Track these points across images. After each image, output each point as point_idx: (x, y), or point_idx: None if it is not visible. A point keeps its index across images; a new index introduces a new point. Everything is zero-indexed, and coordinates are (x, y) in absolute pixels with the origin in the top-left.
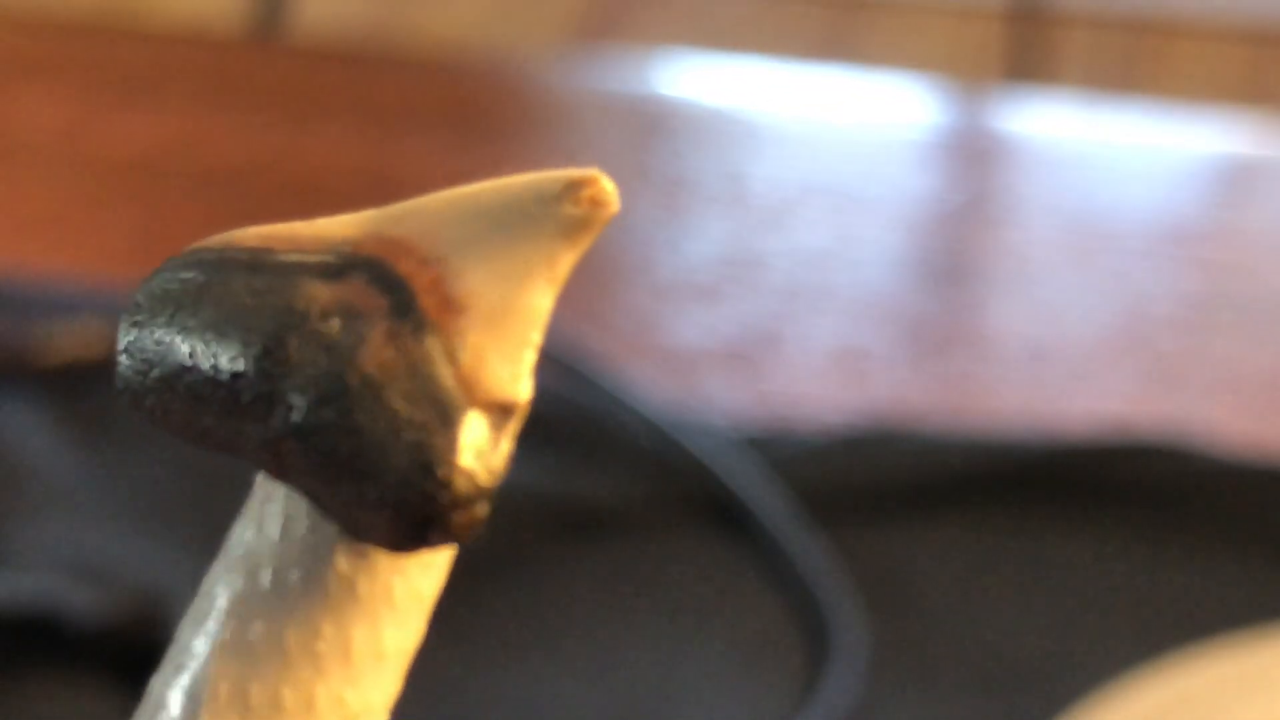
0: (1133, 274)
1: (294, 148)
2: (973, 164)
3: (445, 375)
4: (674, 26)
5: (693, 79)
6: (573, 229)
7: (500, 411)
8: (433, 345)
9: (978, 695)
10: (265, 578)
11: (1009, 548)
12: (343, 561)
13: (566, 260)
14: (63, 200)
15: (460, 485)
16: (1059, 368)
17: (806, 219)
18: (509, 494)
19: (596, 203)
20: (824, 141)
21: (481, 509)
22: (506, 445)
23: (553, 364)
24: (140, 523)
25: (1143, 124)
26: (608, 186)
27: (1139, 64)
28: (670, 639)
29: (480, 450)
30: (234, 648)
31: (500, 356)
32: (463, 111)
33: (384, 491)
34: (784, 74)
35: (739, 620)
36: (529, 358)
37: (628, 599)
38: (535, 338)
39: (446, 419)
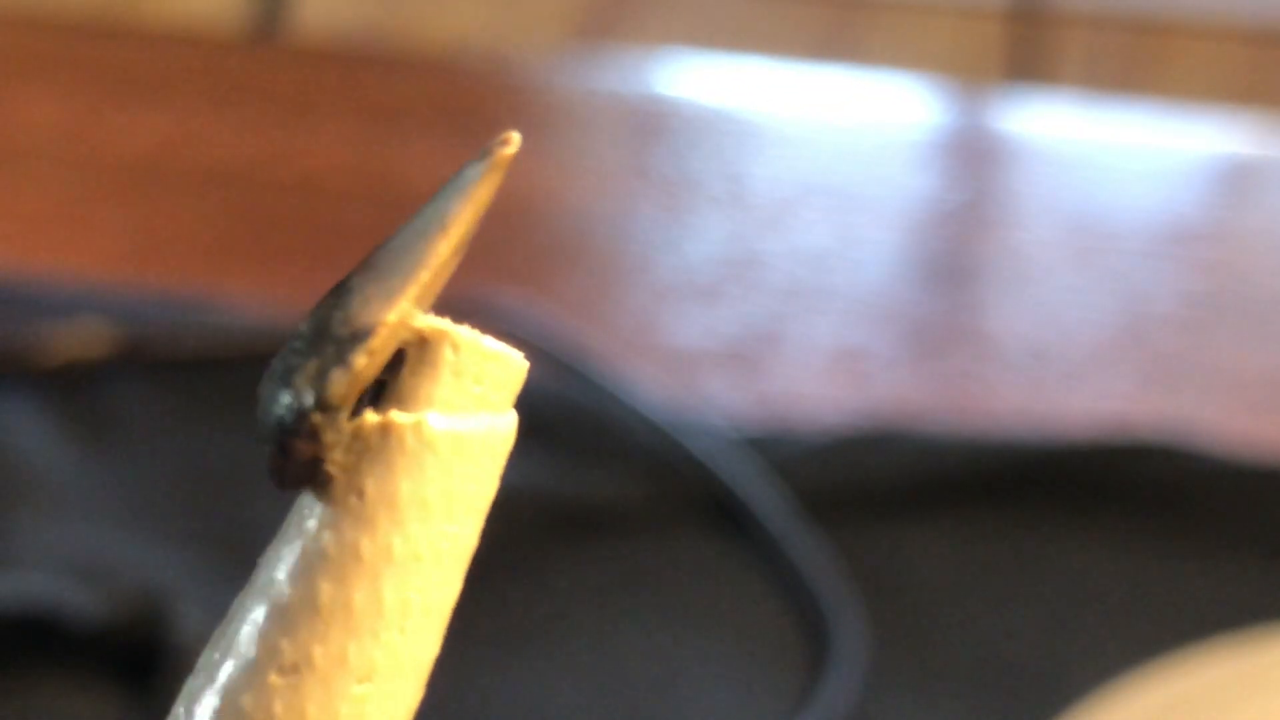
0: (1133, 274)
1: (294, 148)
2: (973, 164)
3: (336, 322)
4: (674, 26)
5: (693, 79)
6: (469, 183)
7: (351, 339)
8: (340, 302)
9: (977, 695)
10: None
11: (1009, 548)
12: (293, 521)
13: (462, 211)
14: (63, 200)
15: (300, 401)
16: (1059, 368)
17: (806, 219)
18: (509, 494)
19: (489, 152)
20: (824, 141)
21: (318, 419)
22: (361, 363)
23: (553, 364)
24: (140, 523)
25: (1143, 124)
26: (512, 137)
27: (1139, 64)
28: (670, 639)
29: (321, 371)
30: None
31: (380, 295)
32: (463, 111)
33: (263, 433)
34: (784, 74)
35: (739, 620)
36: (409, 292)
37: (628, 599)
38: (421, 275)
39: (309, 355)
